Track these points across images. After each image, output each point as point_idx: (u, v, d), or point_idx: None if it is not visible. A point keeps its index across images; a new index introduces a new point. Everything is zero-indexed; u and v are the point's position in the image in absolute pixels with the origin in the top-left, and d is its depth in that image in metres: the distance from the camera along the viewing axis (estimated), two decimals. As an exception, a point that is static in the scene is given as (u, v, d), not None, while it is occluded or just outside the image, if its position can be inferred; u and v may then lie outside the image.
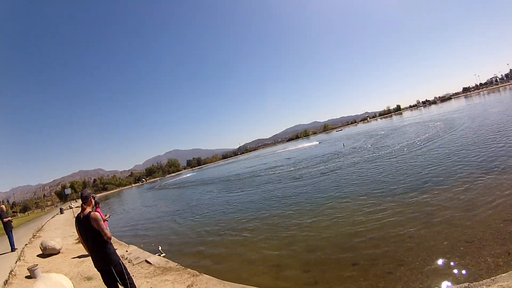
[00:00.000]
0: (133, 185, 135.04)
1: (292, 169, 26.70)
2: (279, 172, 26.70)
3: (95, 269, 4.54)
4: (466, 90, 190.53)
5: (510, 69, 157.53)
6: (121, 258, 4.74)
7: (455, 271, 4.98)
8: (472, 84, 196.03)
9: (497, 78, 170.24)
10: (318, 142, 53.30)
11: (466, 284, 4.22)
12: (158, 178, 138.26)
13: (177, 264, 7.75)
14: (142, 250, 9.83)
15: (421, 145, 20.25)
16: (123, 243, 11.90)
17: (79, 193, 4.64)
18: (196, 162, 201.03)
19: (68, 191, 56.31)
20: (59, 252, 11.22)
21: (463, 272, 4.89)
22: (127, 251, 10.03)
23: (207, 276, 6.44)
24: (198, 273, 6.65)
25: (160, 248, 10.11)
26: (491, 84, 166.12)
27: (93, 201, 4.61)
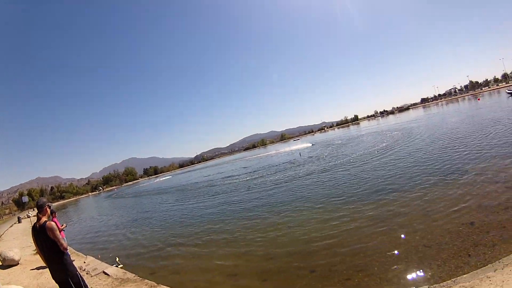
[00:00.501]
0: (90, 193, 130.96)
1: (248, 178, 26.83)
2: (236, 181, 26.78)
3: (54, 281, 4.45)
4: (424, 100, 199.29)
5: (470, 81, 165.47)
6: (78, 270, 4.68)
7: (415, 274, 5.04)
8: (431, 95, 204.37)
9: (456, 89, 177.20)
10: (311, 144, 53.25)
11: (426, 287, 4.35)
12: (115, 187, 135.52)
13: (134, 275, 7.67)
14: (100, 261, 9.62)
15: (378, 154, 20.73)
16: (81, 254, 11.52)
17: (36, 201, 4.54)
18: (153, 171, 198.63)
19: (25, 199, 53.31)
20: (18, 263, 10.93)
21: (423, 275, 4.96)
22: (84, 262, 9.78)
23: (165, 286, 6.44)
24: (156, 284, 6.65)
25: (117, 259, 9.91)
26: (450, 95, 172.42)
27: (48, 210, 4.54)
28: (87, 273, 8.34)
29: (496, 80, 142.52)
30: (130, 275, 7.72)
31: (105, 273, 8.12)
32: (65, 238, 7.50)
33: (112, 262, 9.56)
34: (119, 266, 9.07)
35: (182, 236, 11.66)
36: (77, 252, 11.85)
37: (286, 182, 18.35)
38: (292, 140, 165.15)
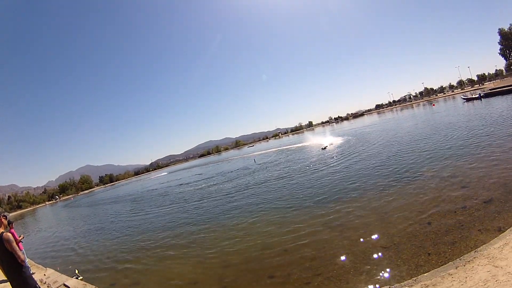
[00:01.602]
0: (46, 203, 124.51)
1: (203, 185, 26.65)
2: (192, 189, 26.55)
3: None
4: (379, 106, 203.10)
5: (425, 87, 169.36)
6: (38, 282, 4.50)
7: (375, 275, 5.04)
8: (385, 101, 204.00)
9: (411, 96, 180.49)
10: (327, 145, 48.88)
11: (387, 287, 4.39)
12: (71, 196, 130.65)
13: (95, 287, 7.57)
14: (60, 274, 9.32)
15: (333, 159, 20.87)
16: (41, 266, 11.02)
17: None
18: (108, 179, 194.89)
19: (-17, 209, 50.31)
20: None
21: (384, 275, 4.97)
22: (45, 274, 9.41)
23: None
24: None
25: (77, 271, 9.67)
26: (404, 101, 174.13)
27: (5, 220, 4.38)
28: (47, 286, 8.05)
29: (451, 87, 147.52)
30: (90, 286, 7.63)
31: (66, 286, 7.91)
32: (23, 250, 7.15)
33: (72, 274, 9.32)
34: (79, 278, 8.89)
35: (140, 246, 11.43)
36: (37, 265, 11.34)
37: (242, 190, 18.09)
38: (246, 146, 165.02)
